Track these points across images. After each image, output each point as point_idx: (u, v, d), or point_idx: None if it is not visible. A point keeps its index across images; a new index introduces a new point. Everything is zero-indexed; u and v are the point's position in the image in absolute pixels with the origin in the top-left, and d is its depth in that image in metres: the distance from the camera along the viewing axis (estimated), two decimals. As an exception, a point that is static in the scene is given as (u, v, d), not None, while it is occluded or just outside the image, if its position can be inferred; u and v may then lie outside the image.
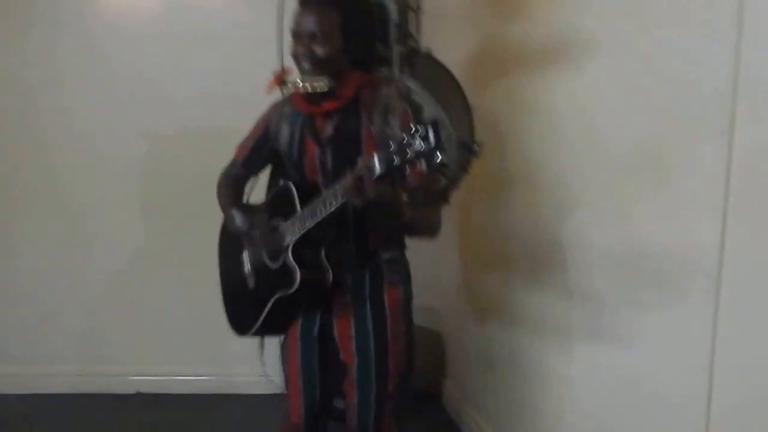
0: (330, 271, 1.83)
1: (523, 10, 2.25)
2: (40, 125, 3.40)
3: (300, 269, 1.80)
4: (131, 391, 3.50)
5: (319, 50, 1.80)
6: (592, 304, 1.97)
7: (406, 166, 1.48)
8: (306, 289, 1.82)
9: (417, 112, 1.86)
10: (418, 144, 1.43)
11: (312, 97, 1.86)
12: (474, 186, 2.55)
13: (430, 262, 2.81)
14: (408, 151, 1.45)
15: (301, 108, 1.91)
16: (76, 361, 3.54)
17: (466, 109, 2.24)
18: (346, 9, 1.84)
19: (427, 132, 1.42)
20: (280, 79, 1.86)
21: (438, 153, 1.41)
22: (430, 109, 1.92)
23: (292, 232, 1.83)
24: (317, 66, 1.82)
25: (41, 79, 3.34)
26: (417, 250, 2.09)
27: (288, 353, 2.04)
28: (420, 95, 1.98)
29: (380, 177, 1.54)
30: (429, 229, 2.16)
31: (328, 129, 1.91)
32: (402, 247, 1.99)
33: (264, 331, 2.02)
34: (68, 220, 3.47)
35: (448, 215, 2.36)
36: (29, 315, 3.52)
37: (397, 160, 1.48)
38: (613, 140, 1.82)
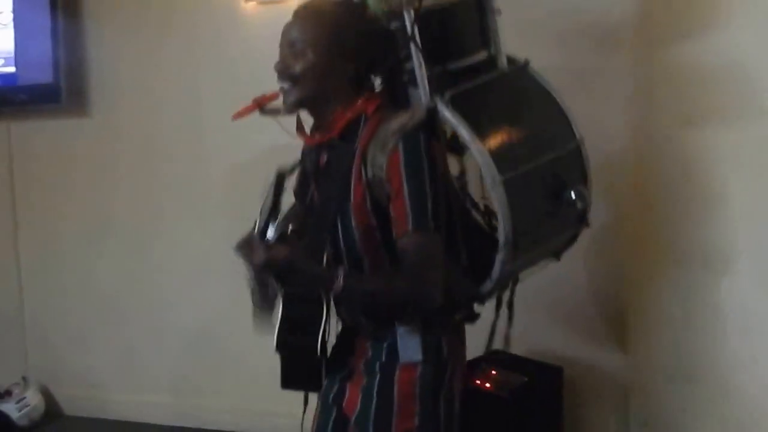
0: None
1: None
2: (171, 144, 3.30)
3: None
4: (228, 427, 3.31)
5: (296, 64, 1.51)
6: None
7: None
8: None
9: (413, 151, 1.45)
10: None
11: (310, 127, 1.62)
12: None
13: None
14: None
15: (301, 138, 1.64)
16: (172, 392, 3.47)
17: (568, 139, 1.72)
18: (343, 22, 1.53)
19: None
20: (260, 104, 1.58)
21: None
22: (478, 148, 1.53)
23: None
24: (292, 83, 1.52)
25: (175, 92, 3.24)
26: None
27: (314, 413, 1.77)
28: (462, 127, 1.54)
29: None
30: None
31: (322, 164, 1.62)
32: (429, 323, 1.56)
33: (290, 384, 1.66)
34: (171, 252, 3.35)
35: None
36: (130, 344, 3.49)
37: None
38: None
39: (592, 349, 2.73)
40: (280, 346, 1.56)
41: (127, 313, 3.46)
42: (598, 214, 1.80)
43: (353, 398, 1.61)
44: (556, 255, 1.82)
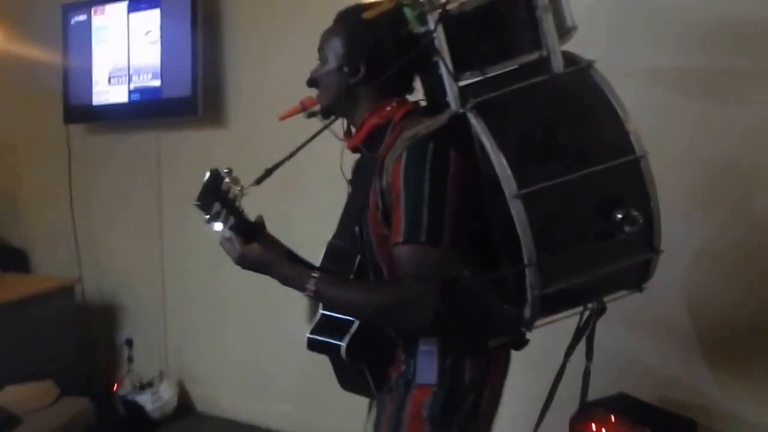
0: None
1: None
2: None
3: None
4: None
5: (319, 71, 1.55)
6: None
7: None
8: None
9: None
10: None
11: (348, 132, 1.60)
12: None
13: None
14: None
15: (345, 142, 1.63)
16: (295, 401, 3.52)
17: (624, 153, 1.46)
18: (362, 27, 1.49)
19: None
20: (304, 106, 1.58)
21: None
22: (498, 159, 1.38)
23: None
24: (318, 90, 1.56)
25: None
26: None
27: None
28: (484, 136, 1.39)
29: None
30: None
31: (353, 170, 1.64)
32: (450, 345, 1.48)
33: (345, 386, 1.67)
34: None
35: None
36: (259, 352, 3.60)
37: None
38: None
39: (733, 400, 2.41)
40: (310, 344, 1.53)
41: (259, 321, 3.55)
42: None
43: (380, 410, 1.56)
44: (633, 285, 1.57)
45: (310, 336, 1.54)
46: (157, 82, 3.49)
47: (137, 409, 3.57)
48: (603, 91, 1.48)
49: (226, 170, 1.39)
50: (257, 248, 1.43)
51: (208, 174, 1.38)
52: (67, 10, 3.78)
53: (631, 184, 1.46)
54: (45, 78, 3.93)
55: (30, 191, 4.34)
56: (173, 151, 3.68)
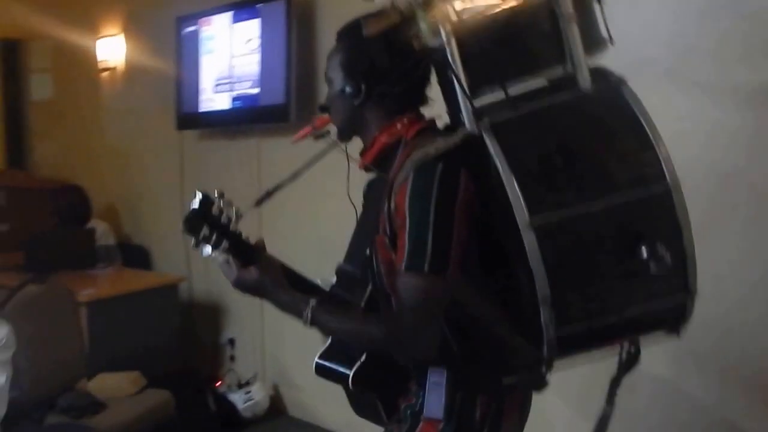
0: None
1: None
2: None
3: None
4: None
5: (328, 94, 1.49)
6: None
7: None
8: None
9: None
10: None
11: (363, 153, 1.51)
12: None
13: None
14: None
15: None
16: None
17: (654, 180, 1.29)
18: (349, 45, 1.43)
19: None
20: (313, 128, 1.53)
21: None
22: (510, 184, 1.26)
23: None
24: (322, 112, 1.51)
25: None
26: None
27: None
28: (498, 159, 1.27)
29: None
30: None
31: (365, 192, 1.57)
32: (460, 379, 1.38)
33: (359, 412, 1.63)
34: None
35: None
36: None
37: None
38: None
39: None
40: (317, 370, 1.50)
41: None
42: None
43: None
44: (669, 327, 1.38)
45: (318, 361, 1.49)
46: (255, 90, 3.58)
47: (229, 407, 3.67)
48: (633, 110, 1.31)
49: (216, 194, 1.36)
50: (254, 272, 1.39)
51: (197, 198, 1.35)
52: (181, 21, 3.98)
53: (660, 217, 1.29)
54: (161, 87, 4.16)
55: (149, 193, 4.62)
56: (271, 157, 3.76)
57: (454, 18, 1.31)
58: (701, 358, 2.31)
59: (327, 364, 1.48)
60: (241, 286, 1.40)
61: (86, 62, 4.83)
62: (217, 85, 3.80)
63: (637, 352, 1.36)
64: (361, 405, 1.56)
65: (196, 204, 1.33)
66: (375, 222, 1.39)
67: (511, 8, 1.35)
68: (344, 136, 1.49)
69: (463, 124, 1.34)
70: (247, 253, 1.40)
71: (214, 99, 3.81)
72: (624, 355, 1.38)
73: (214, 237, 1.34)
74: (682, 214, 1.28)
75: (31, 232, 4.16)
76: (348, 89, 1.41)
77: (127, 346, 3.40)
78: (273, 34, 3.45)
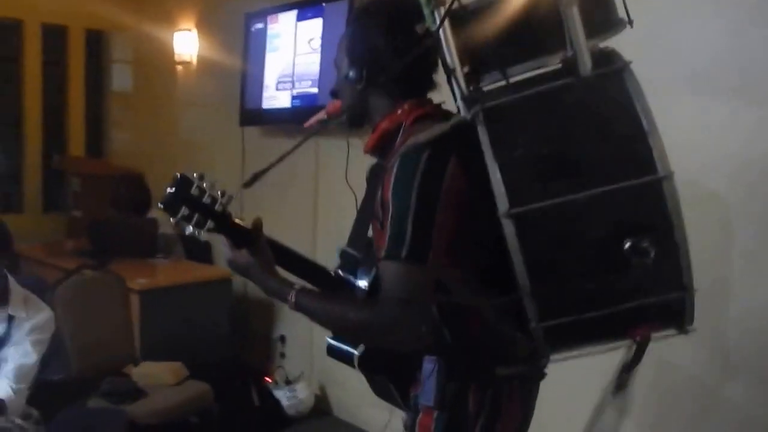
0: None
1: None
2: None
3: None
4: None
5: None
6: None
7: None
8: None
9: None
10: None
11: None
12: None
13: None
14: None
15: None
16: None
17: (644, 171, 1.22)
18: (351, 32, 1.46)
19: None
20: (328, 113, 1.58)
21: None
22: (493, 173, 1.24)
23: None
24: (333, 98, 1.56)
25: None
26: None
27: None
28: (485, 146, 1.25)
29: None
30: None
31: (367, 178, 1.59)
32: (452, 369, 1.37)
33: (378, 394, 1.64)
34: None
35: None
36: None
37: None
38: None
39: None
40: (328, 350, 1.51)
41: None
42: None
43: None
44: (674, 325, 1.30)
45: (330, 340, 1.50)
46: (315, 89, 3.58)
47: (273, 404, 3.69)
48: (631, 98, 1.23)
49: (196, 176, 1.38)
50: (245, 255, 1.41)
51: (175, 178, 1.36)
52: (249, 18, 4.02)
53: (651, 210, 1.22)
54: (228, 83, 4.23)
55: (212, 187, 4.69)
56: (328, 156, 3.75)
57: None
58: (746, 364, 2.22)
59: (337, 343, 1.48)
60: (232, 266, 1.44)
61: (164, 55, 4.96)
62: (280, 82, 3.82)
63: (644, 347, 1.28)
64: (377, 388, 1.57)
65: (171, 185, 1.35)
66: (369, 209, 1.41)
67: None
68: (353, 122, 1.51)
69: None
70: (240, 234, 1.42)
71: (276, 96, 3.84)
72: (632, 350, 1.31)
73: (195, 217, 1.36)
74: (673, 206, 1.20)
75: (96, 219, 4.30)
76: (351, 74, 1.42)
77: (177, 336, 3.47)
78: (334, 34, 3.42)
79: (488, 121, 1.25)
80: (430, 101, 1.45)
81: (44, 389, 2.63)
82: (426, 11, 1.30)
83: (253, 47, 4.00)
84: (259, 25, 3.95)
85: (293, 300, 1.36)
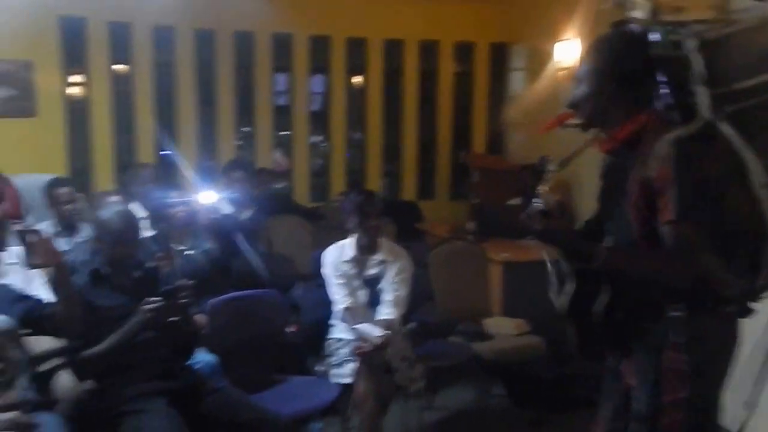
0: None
1: None
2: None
3: None
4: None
5: (576, 93, 1.88)
6: None
7: None
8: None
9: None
10: None
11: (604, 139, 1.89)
12: None
13: None
14: None
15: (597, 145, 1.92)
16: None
17: None
18: (604, 55, 1.82)
19: None
20: (560, 120, 1.93)
21: None
22: (749, 155, 1.71)
23: None
24: (571, 109, 1.90)
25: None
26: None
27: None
28: (733, 138, 1.72)
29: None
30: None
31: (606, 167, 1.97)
32: (695, 310, 1.72)
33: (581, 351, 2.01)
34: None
35: None
36: None
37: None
38: None
39: None
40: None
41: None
42: None
43: (630, 373, 1.86)
44: None
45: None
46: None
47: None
48: None
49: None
50: (543, 223, 1.84)
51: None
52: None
53: None
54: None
55: (576, 180, 5.12)
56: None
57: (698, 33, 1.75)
58: None
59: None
60: (535, 234, 1.84)
61: (549, 63, 5.60)
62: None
63: None
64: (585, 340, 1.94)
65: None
66: (623, 189, 1.78)
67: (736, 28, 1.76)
68: (587, 128, 1.89)
69: (687, 116, 1.74)
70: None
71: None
72: None
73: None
74: None
75: (480, 205, 5.14)
76: (600, 90, 1.81)
77: (530, 300, 4.07)
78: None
79: (732, 120, 1.71)
80: (656, 109, 1.81)
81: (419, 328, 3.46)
82: (664, 39, 1.75)
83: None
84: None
85: (603, 255, 1.72)
